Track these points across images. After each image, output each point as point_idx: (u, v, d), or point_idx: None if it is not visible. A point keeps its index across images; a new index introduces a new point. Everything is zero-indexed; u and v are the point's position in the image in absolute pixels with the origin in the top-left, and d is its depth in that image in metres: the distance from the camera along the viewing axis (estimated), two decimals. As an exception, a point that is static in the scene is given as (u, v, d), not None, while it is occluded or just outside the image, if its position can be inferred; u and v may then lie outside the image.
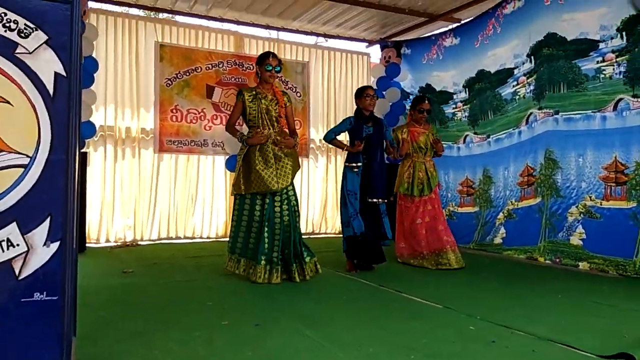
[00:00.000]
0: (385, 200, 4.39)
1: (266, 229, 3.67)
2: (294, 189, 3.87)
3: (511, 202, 5.45)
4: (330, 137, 4.42)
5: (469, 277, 4.10)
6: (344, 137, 4.97)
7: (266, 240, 3.66)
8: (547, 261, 4.77)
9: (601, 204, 4.43)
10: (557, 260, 4.67)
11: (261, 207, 3.71)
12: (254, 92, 3.82)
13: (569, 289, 3.64)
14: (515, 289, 3.69)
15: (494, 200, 5.71)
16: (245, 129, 3.96)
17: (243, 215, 3.78)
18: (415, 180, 4.63)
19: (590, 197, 4.53)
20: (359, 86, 4.43)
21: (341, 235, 4.40)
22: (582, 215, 4.58)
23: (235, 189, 3.82)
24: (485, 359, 2.17)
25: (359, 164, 4.24)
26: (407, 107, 6.89)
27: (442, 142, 4.89)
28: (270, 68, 3.78)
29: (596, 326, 2.70)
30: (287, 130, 3.93)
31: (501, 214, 5.53)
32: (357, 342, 2.38)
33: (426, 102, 4.76)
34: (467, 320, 2.80)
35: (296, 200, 3.88)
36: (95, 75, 5.33)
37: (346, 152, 4.41)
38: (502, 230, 5.42)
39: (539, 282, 3.91)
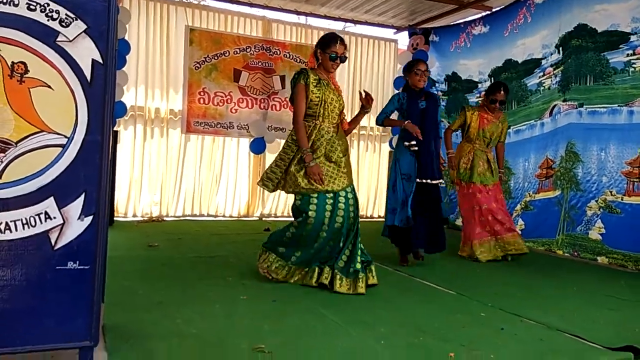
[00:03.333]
0: (442, 182, 4.05)
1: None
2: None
3: (529, 193, 5.42)
4: (382, 118, 4.03)
5: (486, 267, 4.14)
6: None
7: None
8: (565, 254, 4.76)
9: (622, 199, 4.39)
10: (576, 253, 4.66)
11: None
12: (317, 77, 3.25)
13: (585, 282, 3.66)
14: (530, 279, 3.72)
15: (513, 191, 5.68)
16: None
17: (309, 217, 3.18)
18: (475, 168, 4.38)
19: (611, 192, 4.49)
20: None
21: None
22: (601, 209, 4.54)
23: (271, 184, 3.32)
24: (492, 345, 2.23)
25: (415, 143, 3.80)
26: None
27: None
28: (335, 57, 3.22)
29: (608, 319, 2.74)
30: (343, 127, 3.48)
31: (519, 205, 5.52)
32: (370, 322, 2.49)
33: (501, 92, 4.32)
34: (479, 307, 2.87)
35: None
36: (127, 57, 5.49)
37: (402, 129, 3.94)
38: (520, 221, 5.41)
39: (556, 274, 3.92)
